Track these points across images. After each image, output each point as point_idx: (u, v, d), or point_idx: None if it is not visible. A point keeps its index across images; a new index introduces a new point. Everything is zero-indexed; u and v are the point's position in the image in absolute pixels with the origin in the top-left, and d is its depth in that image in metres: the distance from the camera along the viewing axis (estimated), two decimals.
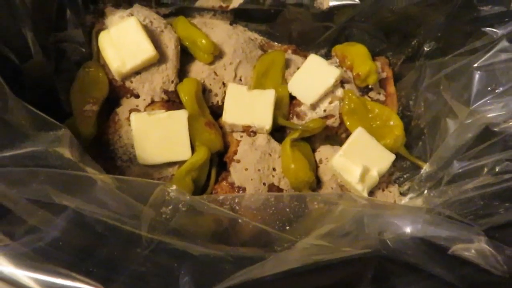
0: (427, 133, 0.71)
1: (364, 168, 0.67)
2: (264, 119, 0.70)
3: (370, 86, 0.75)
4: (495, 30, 0.63)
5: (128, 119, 0.68)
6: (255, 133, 0.72)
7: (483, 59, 0.61)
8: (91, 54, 0.73)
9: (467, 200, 0.50)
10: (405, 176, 0.73)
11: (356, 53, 0.75)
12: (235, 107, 0.71)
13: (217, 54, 0.75)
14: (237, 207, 0.52)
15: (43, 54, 0.65)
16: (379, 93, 0.76)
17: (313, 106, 0.73)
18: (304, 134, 0.71)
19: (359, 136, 0.69)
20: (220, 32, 0.78)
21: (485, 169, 0.55)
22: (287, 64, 0.78)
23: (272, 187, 0.69)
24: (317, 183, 0.72)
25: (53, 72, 0.69)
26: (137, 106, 0.70)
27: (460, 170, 0.58)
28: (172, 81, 0.72)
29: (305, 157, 0.69)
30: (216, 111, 0.75)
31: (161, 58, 0.70)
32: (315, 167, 0.73)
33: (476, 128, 0.59)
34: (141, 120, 0.66)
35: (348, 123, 0.73)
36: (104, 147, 0.68)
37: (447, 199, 0.53)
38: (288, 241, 0.45)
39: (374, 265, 0.40)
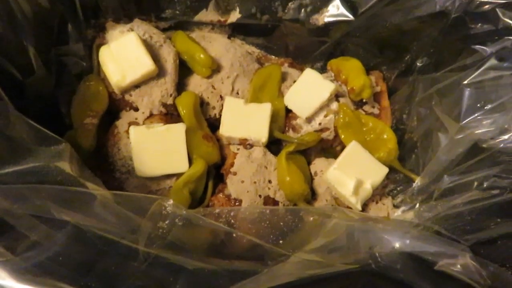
0: (419, 147, 0.73)
1: (358, 181, 0.68)
2: (260, 132, 0.72)
3: (364, 100, 0.77)
4: (485, 48, 0.64)
5: (127, 132, 0.69)
6: (251, 146, 0.73)
7: (473, 76, 0.63)
8: (92, 67, 0.75)
9: (456, 215, 0.52)
10: (398, 188, 0.74)
11: (351, 67, 0.77)
12: (232, 120, 0.73)
13: (215, 68, 0.77)
14: (232, 220, 0.53)
15: (45, 68, 0.66)
16: (373, 107, 0.78)
17: (309, 120, 0.75)
18: (299, 147, 0.73)
19: (353, 149, 0.71)
20: (218, 45, 0.80)
21: (474, 184, 0.56)
22: (283, 77, 0.80)
23: (268, 199, 0.70)
24: (312, 195, 0.73)
25: (54, 86, 0.70)
26: (136, 119, 0.72)
27: (451, 185, 0.60)
28: (171, 95, 0.73)
29: (300, 169, 0.71)
30: (214, 124, 0.76)
31: (160, 72, 0.72)
32: (310, 179, 0.74)
33: (466, 144, 0.60)
34: (140, 133, 0.68)
35: (342, 136, 0.74)
36: (103, 159, 0.69)
37: (437, 213, 0.54)
38: (282, 255, 0.47)
39: (364, 280, 0.42)
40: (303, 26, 0.79)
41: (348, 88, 0.75)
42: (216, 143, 0.73)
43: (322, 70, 0.85)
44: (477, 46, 0.65)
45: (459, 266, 0.41)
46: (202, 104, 0.76)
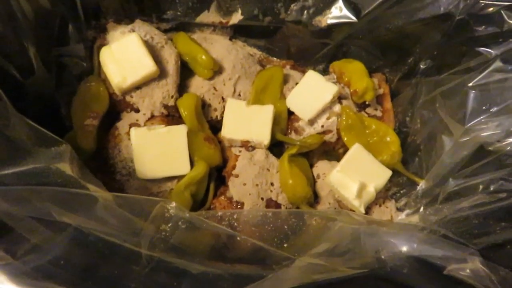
0: (423, 150, 0.72)
1: (361, 184, 0.68)
2: (262, 134, 0.71)
3: (367, 102, 0.76)
4: (489, 50, 0.64)
5: (128, 133, 0.69)
6: (253, 148, 0.72)
7: (477, 78, 0.63)
8: (92, 68, 0.74)
9: (462, 219, 0.51)
10: (401, 191, 0.74)
11: (354, 69, 0.76)
12: (234, 122, 0.72)
13: (217, 70, 0.76)
14: (235, 223, 0.52)
15: (45, 69, 0.65)
16: (376, 109, 0.78)
17: (311, 122, 0.74)
18: (302, 150, 0.72)
19: (356, 152, 0.70)
20: (220, 47, 0.79)
21: (480, 188, 0.55)
22: (285, 80, 0.79)
23: (270, 202, 0.70)
24: (315, 198, 0.72)
25: (54, 86, 0.69)
26: (137, 120, 0.71)
27: (456, 188, 0.59)
28: (172, 96, 0.72)
29: (303, 172, 0.70)
30: (215, 126, 0.75)
31: (161, 73, 0.71)
32: (312, 182, 0.73)
33: (471, 147, 0.60)
34: (141, 135, 0.67)
35: (345, 139, 0.73)
36: (103, 161, 0.69)
37: (443, 217, 0.54)
38: (286, 258, 0.46)
39: (370, 285, 0.41)
40: (306, 28, 0.79)
41: (351, 90, 0.75)
42: (218, 145, 0.72)
43: (325, 72, 0.84)
44: (482, 49, 0.65)
45: (468, 270, 0.40)
46: (203, 106, 0.75)
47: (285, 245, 0.49)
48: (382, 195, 0.73)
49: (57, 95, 0.70)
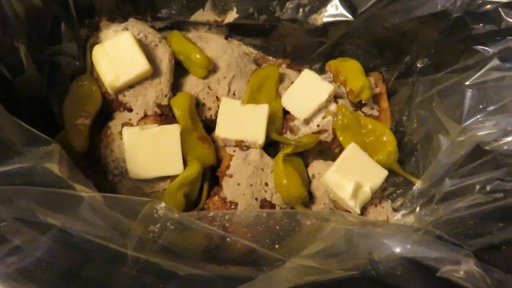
0: (419, 149, 0.72)
1: (357, 184, 0.67)
2: (257, 134, 0.70)
3: (363, 102, 0.75)
4: (486, 48, 0.63)
5: (120, 133, 0.68)
6: (248, 147, 0.72)
7: (475, 77, 0.62)
8: (85, 67, 0.73)
9: (458, 219, 0.50)
10: (398, 191, 0.73)
11: (350, 68, 0.75)
12: (228, 121, 0.71)
13: (211, 69, 0.75)
14: (227, 224, 0.51)
15: (36, 68, 0.65)
16: (372, 109, 0.77)
17: (307, 121, 0.73)
18: (297, 149, 0.71)
19: (352, 152, 0.69)
20: (215, 46, 0.78)
21: (477, 188, 0.54)
22: (281, 79, 0.78)
23: (265, 202, 0.69)
24: (310, 198, 0.71)
25: (45, 86, 0.69)
26: (129, 120, 0.70)
27: (452, 188, 0.58)
28: (166, 95, 0.72)
29: (297, 172, 0.69)
30: (209, 125, 0.75)
31: (154, 72, 0.70)
32: (307, 182, 0.72)
33: (467, 146, 0.59)
34: (133, 134, 0.66)
35: (341, 138, 0.73)
36: (95, 160, 0.68)
37: (438, 217, 0.53)
38: (277, 260, 0.45)
39: (363, 287, 0.40)
40: (301, 27, 0.78)
41: (347, 90, 0.74)
42: (212, 145, 0.71)
43: (321, 71, 0.83)
44: (479, 47, 0.64)
45: (462, 272, 0.39)
46: (197, 105, 0.74)
47: (277, 246, 0.48)
48: (378, 195, 0.72)
49: (49, 94, 0.69)
